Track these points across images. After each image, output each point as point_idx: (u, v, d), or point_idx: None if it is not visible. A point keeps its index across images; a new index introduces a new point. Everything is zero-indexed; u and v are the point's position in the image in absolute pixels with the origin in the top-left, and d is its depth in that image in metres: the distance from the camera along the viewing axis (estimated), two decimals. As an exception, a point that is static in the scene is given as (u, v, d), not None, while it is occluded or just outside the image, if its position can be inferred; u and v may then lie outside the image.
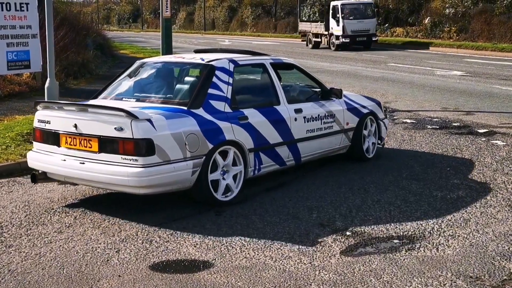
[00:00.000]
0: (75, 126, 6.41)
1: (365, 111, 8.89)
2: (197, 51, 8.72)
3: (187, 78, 7.47)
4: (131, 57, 32.40)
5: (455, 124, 11.94)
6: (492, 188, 7.38)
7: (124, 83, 7.65)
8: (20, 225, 6.20)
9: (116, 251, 5.45)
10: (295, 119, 7.69)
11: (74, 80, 17.94)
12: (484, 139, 10.42)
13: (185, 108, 6.65)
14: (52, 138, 6.70)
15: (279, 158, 7.53)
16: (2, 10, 14.67)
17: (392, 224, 6.12)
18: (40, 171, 6.89)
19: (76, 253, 5.41)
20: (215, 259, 5.27)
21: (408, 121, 12.39)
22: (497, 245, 5.49)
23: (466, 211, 6.51)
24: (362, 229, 5.98)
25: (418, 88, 17.70)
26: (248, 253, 5.39)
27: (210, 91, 6.90)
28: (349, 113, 8.62)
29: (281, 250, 5.46)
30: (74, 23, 22.43)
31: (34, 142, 7.09)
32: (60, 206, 6.82)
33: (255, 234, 5.87)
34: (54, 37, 18.26)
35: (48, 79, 10.25)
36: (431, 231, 5.90)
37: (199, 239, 5.75)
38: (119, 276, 4.92)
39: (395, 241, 5.68)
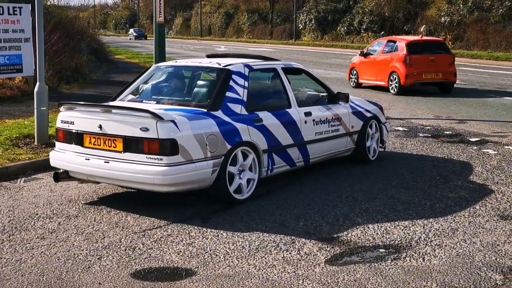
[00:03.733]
0: (100, 126, 6.63)
1: (368, 115, 9.21)
2: (210, 56, 8.95)
3: (204, 82, 7.74)
4: (126, 62, 32.43)
5: (447, 132, 11.91)
6: (482, 197, 7.32)
7: (142, 86, 7.95)
8: (2, 231, 6.11)
9: (98, 258, 5.37)
10: (305, 122, 7.98)
11: (67, 84, 17.89)
12: (475, 147, 10.38)
13: (205, 110, 6.94)
14: (75, 138, 6.92)
15: (290, 159, 7.81)
16: (-6, 13, 14.54)
17: (379, 233, 6.05)
18: (62, 170, 7.12)
19: (58, 259, 5.33)
20: (198, 267, 5.20)
21: (400, 128, 12.36)
22: (484, 256, 5.43)
23: (454, 221, 6.45)
24: (349, 238, 5.92)
25: (411, 96, 17.68)
26: (232, 261, 5.31)
27: (228, 94, 7.19)
28: (354, 117, 8.93)
29: (266, 258, 5.39)
30: (68, 28, 22.38)
31: (56, 142, 7.27)
32: (44, 212, 6.74)
33: (240, 242, 5.80)
34: (48, 42, 18.25)
35: (37, 83, 10.20)
36: (418, 241, 5.83)
37: (183, 246, 5.68)
38: (100, 283, 4.84)
39: (381, 250, 5.61)
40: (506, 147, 10.37)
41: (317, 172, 8.55)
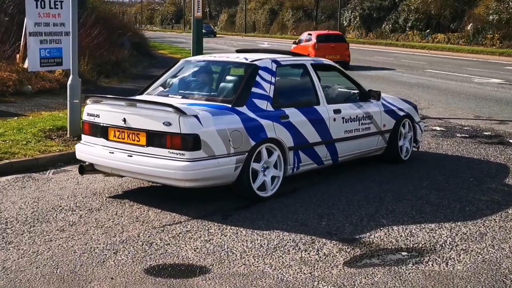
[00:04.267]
0: (124, 120, 6.63)
1: (401, 113, 8.99)
2: (239, 51, 8.85)
3: (231, 77, 7.62)
4: (168, 57, 32.61)
5: (486, 133, 11.58)
6: (515, 201, 7.06)
7: (169, 80, 7.87)
8: (24, 222, 6.13)
9: (114, 252, 5.33)
10: (334, 120, 7.82)
11: (106, 78, 18.04)
12: (514, 149, 10.05)
13: (229, 105, 6.84)
14: (100, 131, 6.92)
15: (317, 157, 7.66)
16: (37, 7, 14.75)
17: (403, 235, 5.87)
18: (87, 163, 7.13)
19: (74, 252, 5.31)
20: (213, 264, 5.11)
21: (438, 128, 12.07)
22: (511, 263, 5.20)
23: (484, 225, 6.22)
24: (371, 240, 5.75)
25: (452, 95, 17.31)
26: (248, 260, 5.21)
27: (254, 89, 7.08)
28: (386, 115, 8.73)
29: (283, 258, 5.27)
30: (109, 22, 22.57)
31: (82, 135, 7.30)
32: (68, 204, 6.75)
33: (259, 240, 5.69)
34: (88, 36, 18.45)
35: (71, 76, 10.24)
36: (443, 245, 5.63)
37: (200, 243, 5.60)
38: (112, 278, 4.80)
39: (403, 253, 5.43)
40: (547, 149, 10.01)
41: (345, 171, 8.37)
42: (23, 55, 15.05)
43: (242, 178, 6.68)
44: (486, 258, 5.30)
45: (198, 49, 16.14)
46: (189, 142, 6.25)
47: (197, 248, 5.47)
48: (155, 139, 6.43)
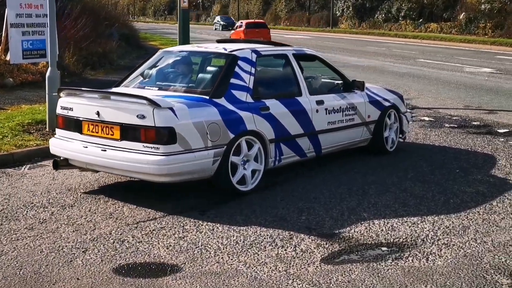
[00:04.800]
0: (98, 113, 6.40)
1: (387, 104, 8.81)
2: (220, 41, 8.66)
3: (209, 68, 7.44)
4: (159, 48, 32.24)
5: (475, 123, 11.40)
6: (501, 193, 6.88)
7: (147, 72, 7.63)
8: (-6, 220, 5.93)
9: (83, 251, 5.13)
10: (317, 111, 7.63)
11: (92, 70, 17.77)
12: (502, 139, 9.88)
13: (207, 97, 6.62)
14: (74, 125, 6.70)
15: (300, 149, 7.49)
16: (18, -2, 14.48)
17: (384, 230, 5.69)
18: (62, 158, 6.89)
19: (40, 252, 5.11)
20: (185, 263, 4.92)
21: (426, 118, 11.89)
22: (494, 257, 5.03)
23: (467, 218, 6.04)
24: (351, 234, 5.57)
25: (443, 85, 17.13)
26: (222, 258, 5.02)
27: (232, 81, 6.87)
28: (371, 106, 8.55)
29: (258, 255, 5.08)
30: (96, 13, 22.28)
31: (56, 129, 7.06)
32: (40, 201, 6.54)
33: (235, 236, 5.50)
34: (74, 27, 18.18)
35: (49, 68, 10.00)
36: (425, 239, 5.46)
37: (174, 240, 5.40)
38: (78, 279, 4.60)
39: (383, 248, 5.25)
40: (535, 139, 9.85)
41: (330, 162, 8.19)
42: (5, 47, 14.78)
43: (220, 172, 6.47)
44: (467, 253, 5.13)
45: (184, 40, 15.92)
46: (164, 136, 6.04)
47: (170, 245, 5.28)
48: (129, 132, 6.22)
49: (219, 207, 6.35)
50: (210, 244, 5.31)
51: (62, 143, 6.88)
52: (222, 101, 6.65)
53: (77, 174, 7.57)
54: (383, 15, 52.55)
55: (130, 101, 6.31)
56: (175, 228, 5.72)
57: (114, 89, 7.30)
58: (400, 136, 9.18)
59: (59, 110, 6.93)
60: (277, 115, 7.09)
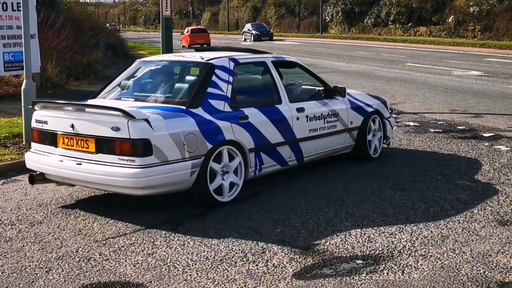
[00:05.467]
0: (72, 126, 6.30)
1: (370, 109, 8.72)
2: (198, 50, 8.60)
3: (186, 77, 7.31)
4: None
5: (460, 127, 11.26)
6: (482, 200, 6.73)
7: (124, 82, 7.51)
8: (-42, 239, 5.74)
9: (47, 271, 4.94)
10: (297, 118, 7.54)
11: (76, 81, 17.58)
12: (487, 144, 9.74)
13: (184, 107, 6.51)
14: (49, 138, 6.59)
15: (281, 158, 7.37)
16: (-1, 10, 14.31)
17: (360, 241, 5.52)
18: (38, 172, 6.75)
19: (2, 273, 4.91)
20: (151, 281, 4.73)
21: (411, 124, 11.75)
22: (472, 268, 4.87)
23: (447, 227, 5.88)
24: (325, 247, 5.40)
25: (430, 89, 17.02)
26: (190, 275, 4.84)
27: (210, 90, 6.77)
28: (354, 112, 8.47)
29: (228, 271, 4.90)
30: (81, 23, 22.10)
31: (32, 143, 6.93)
32: (9, 218, 6.35)
33: (206, 252, 5.33)
34: (57, 38, 17.99)
35: (24, 80, 9.81)
36: (401, 250, 5.29)
37: (142, 257, 5.22)
38: (37, 301, 4.42)
39: (358, 261, 5.08)
40: (520, 143, 9.71)
41: (311, 171, 8.03)
42: (-15, 60, 14.55)
43: (199, 181, 6.35)
44: (445, 264, 4.96)
45: (167, 48, 15.76)
46: (139, 148, 5.91)
47: (138, 263, 5.10)
48: (104, 145, 6.10)
49: (192, 220, 6.18)
50: (179, 261, 5.13)
51: (38, 157, 6.74)
52: (199, 111, 6.53)
53: (50, 188, 7.40)
54: (372, 20, 52.50)
55: (104, 113, 6.19)
56: (145, 244, 5.54)
57: (89, 101, 7.17)
58: (384, 141, 9.09)
59: (34, 124, 6.79)
60: (256, 123, 6.98)
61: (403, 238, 5.58)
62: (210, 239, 5.63)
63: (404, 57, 29.21)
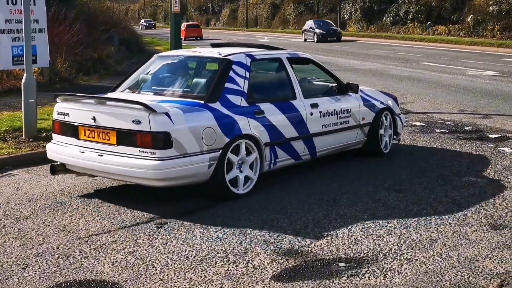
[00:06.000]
0: (94, 118, 6.48)
1: (381, 106, 8.83)
2: (214, 45, 8.75)
3: (204, 72, 7.49)
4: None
5: (467, 128, 11.07)
6: (478, 202, 6.57)
7: (142, 77, 7.67)
8: None
9: (23, 268, 4.88)
10: (311, 114, 7.67)
11: (85, 76, 17.57)
12: (492, 145, 9.55)
13: (202, 102, 6.67)
14: (70, 130, 6.78)
15: (295, 152, 7.50)
16: (8, 4, 14.34)
17: (347, 243, 5.40)
18: (59, 163, 6.94)
19: (-22, 269, 4.87)
20: (127, 280, 4.65)
21: (418, 124, 11.57)
22: (456, 274, 4.72)
23: (437, 230, 5.74)
24: (310, 249, 5.28)
25: (442, 89, 16.78)
26: (167, 275, 4.75)
27: (227, 85, 6.92)
28: (366, 108, 8.58)
29: (207, 272, 4.81)
30: (93, 18, 22.12)
31: (53, 134, 7.13)
32: (-3, 212, 6.31)
33: (187, 251, 5.24)
34: (68, 32, 18.01)
35: (25, 74, 9.79)
36: (387, 254, 5.16)
37: (122, 255, 5.14)
38: (8, 298, 4.36)
39: (341, 264, 4.96)
40: (526, 145, 9.50)
41: (311, 170, 7.92)
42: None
43: (216, 174, 6.48)
44: (429, 269, 4.83)
45: (176, 43, 15.72)
46: (160, 141, 6.08)
47: (117, 261, 5.02)
48: (125, 137, 6.27)
49: (179, 218, 6.09)
50: (158, 260, 5.05)
51: (59, 148, 6.91)
52: (217, 105, 6.67)
53: (44, 183, 7.37)
54: (391, 18, 52.06)
55: (126, 106, 6.34)
56: (127, 242, 5.47)
57: (109, 94, 7.30)
58: (395, 137, 9.15)
59: (55, 116, 6.98)
60: (271, 118, 7.11)
61: (391, 241, 5.45)
62: (193, 238, 5.54)
63: (420, 56, 28.90)
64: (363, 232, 5.70)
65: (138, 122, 6.12)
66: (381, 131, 8.76)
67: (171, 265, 4.94)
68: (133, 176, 6.26)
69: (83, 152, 6.57)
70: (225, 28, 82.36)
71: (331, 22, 50.69)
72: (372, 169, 8.13)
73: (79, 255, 5.15)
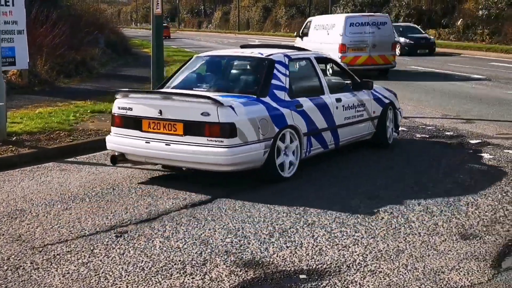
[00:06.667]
0: (160, 112, 7.10)
1: (386, 101, 9.72)
2: (243, 46, 9.66)
3: (249, 70, 8.36)
4: (150, 55, 31.85)
5: (448, 133, 10.90)
6: (451, 211, 6.39)
7: (189, 75, 8.39)
8: None
9: (-31, 280, 4.67)
10: (336, 107, 8.49)
11: (67, 78, 17.31)
12: (471, 151, 9.38)
13: (255, 96, 7.44)
14: (133, 123, 7.36)
15: (324, 142, 8.31)
16: (-19, 5, 14.04)
17: (310, 254, 5.20)
18: (118, 153, 7.59)
19: None
20: (75, 294, 4.45)
21: (399, 128, 11.37)
22: (420, 286, 4.54)
23: (405, 240, 5.55)
24: (272, 260, 5.09)
25: (427, 93, 16.64)
26: (119, 287, 4.54)
27: (273, 82, 7.72)
28: (375, 103, 9.43)
29: (161, 284, 4.61)
30: (76, 19, 21.88)
31: (112, 127, 7.71)
32: (-48, 220, 6.09)
33: (144, 262, 5.03)
34: (50, 34, 17.78)
35: (-6, 77, 9.51)
36: (351, 265, 4.97)
37: (75, 266, 4.94)
38: None
39: (302, 276, 4.77)
40: (506, 151, 9.32)
41: (295, 175, 7.71)
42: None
43: (269, 160, 7.23)
44: (392, 281, 4.64)
45: (158, 46, 15.48)
46: (227, 130, 6.81)
47: (68, 273, 4.81)
48: (192, 128, 6.94)
49: (140, 227, 5.89)
50: (112, 271, 4.84)
51: (120, 140, 7.53)
52: (267, 99, 7.46)
53: (7, 189, 7.18)
54: (382, 22, 51.94)
55: (193, 100, 7.03)
56: (83, 252, 5.26)
57: (170, 90, 7.92)
58: (395, 130, 9.98)
59: (115, 110, 7.57)
60: (308, 111, 7.91)
61: (356, 251, 5.26)
62: (152, 249, 5.33)
63: (409, 60, 28.76)
64: (329, 242, 5.51)
65: (207, 114, 6.82)
66: (387, 123, 9.55)
67: (125, 277, 4.74)
68: (202, 163, 6.94)
69: (148, 142, 7.18)
70: (216, 31, 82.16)
71: (417, 27, 36.66)
72: (346, 176, 7.95)
73: (29, 266, 4.94)
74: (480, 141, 10.14)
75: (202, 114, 6.83)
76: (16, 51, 14.84)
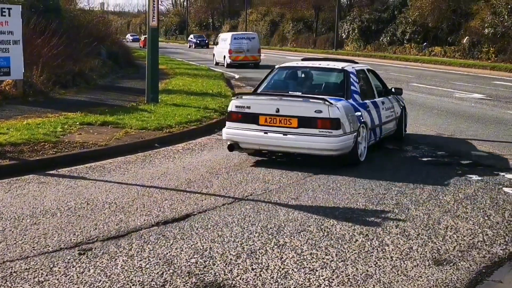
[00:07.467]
0: (277, 110, 9.03)
1: (402, 104, 12.15)
2: (305, 59, 11.94)
3: (332, 79, 10.39)
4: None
5: (440, 152, 10.72)
6: (428, 234, 6.21)
7: (278, 82, 10.36)
8: None
9: None
10: (383, 109, 10.61)
11: (63, 89, 17.20)
12: (460, 172, 9.19)
13: (344, 99, 9.42)
14: (251, 118, 9.23)
15: (376, 135, 10.44)
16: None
17: (274, 277, 5.02)
18: (233, 142, 9.43)
19: None
20: (24, 314, 4.30)
21: (391, 146, 11.25)
22: (382, 315, 4.36)
23: (376, 264, 5.37)
24: (234, 282, 4.92)
25: (424, 111, 16.46)
26: (70, 309, 4.40)
27: (352, 87, 9.79)
28: (397, 105, 11.74)
29: (114, 306, 4.45)
30: (76, 30, 21.84)
31: (227, 122, 9.58)
32: None
33: (101, 282, 4.88)
34: (47, 44, 17.72)
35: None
36: (315, 290, 4.79)
37: (30, 285, 4.79)
38: None
39: (262, 301, 4.60)
40: (495, 172, 9.13)
41: (273, 191, 7.55)
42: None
43: (354, 148, 9.21)
44: (354, 310, 4.46)
45: (153, 58, 15.41)
46: (335, 124, 8.83)
47: (21, 291, 4.67)
48: (306, 122, 8.89)
49: (107, 244, 5.74)
50: (67, 291, 4.69)
51: (236, 131, 9.37)
52: (351, 101, 9.50)
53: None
54: (388, 38, 51.96)
55: (306, 100, 9.03)
56: (42, 269, 5.11)
57: (281, 92, 9.70)
58: (405, 129, 12.27)
59: (233, 108, 9.41)
60: (371, 111, 10.03)
61: (323, 276, 5.09)
62: (113, 268, 5.18)
63: (412, 77, 28.60)
64: (297, 264, 5.34)
65: (319, 111, 8.81)
66: (403, 122, 11.91)
67: (78, 297, 4.59)
68: (315, 148, 8.91)
69: (266, 133, 9.08)
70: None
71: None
72: (327, 194, 7.77)
73: (-15, 283, 4.80)
74: (471, 161, 9.95)
75: (315, 111, 8.80)
76: (11, 61, 14.88)
